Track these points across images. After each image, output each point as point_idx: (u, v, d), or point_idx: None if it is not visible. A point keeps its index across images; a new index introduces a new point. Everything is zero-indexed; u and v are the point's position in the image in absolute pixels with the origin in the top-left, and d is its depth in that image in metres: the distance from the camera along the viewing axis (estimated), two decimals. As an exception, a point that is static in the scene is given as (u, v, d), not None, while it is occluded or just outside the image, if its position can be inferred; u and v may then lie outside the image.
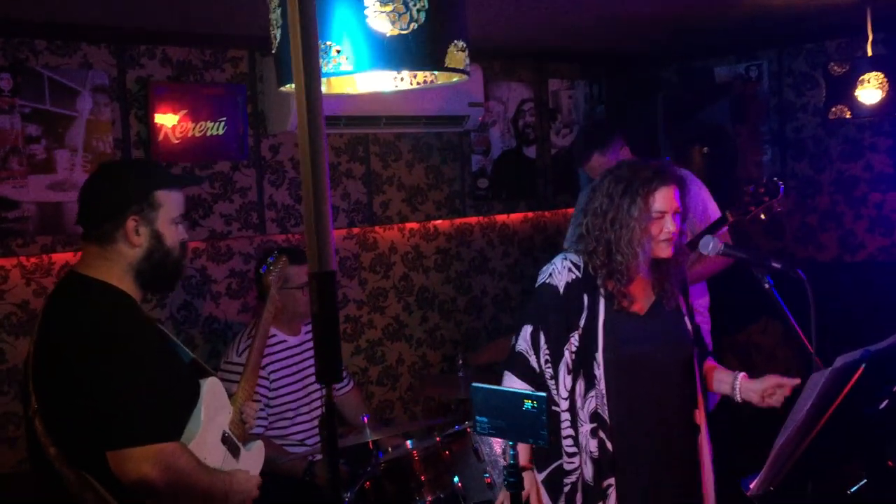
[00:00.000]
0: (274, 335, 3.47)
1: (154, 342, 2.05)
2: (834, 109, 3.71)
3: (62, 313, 2.03)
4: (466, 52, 1.64)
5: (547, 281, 2.45)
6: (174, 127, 3.74)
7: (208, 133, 3.84)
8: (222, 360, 3.47)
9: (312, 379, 3.53)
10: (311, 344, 3.50)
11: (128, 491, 1.94)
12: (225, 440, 2.17)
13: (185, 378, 2.11)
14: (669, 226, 2.37)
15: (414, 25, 1.54)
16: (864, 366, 1.67)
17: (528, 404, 1.63)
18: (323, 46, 1.54)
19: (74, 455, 1.97)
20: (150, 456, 1.90)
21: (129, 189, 2.10)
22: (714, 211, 3.66)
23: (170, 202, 2.13)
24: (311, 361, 3.52)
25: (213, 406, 2.13)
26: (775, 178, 3.12)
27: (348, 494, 3.11)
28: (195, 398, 2.07)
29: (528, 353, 2.42)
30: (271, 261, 2.97)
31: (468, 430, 3.32)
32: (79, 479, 1.96)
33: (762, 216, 3.16)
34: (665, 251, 2.40)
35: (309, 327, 3.65)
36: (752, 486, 1.85)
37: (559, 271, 2.44)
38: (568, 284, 2.42)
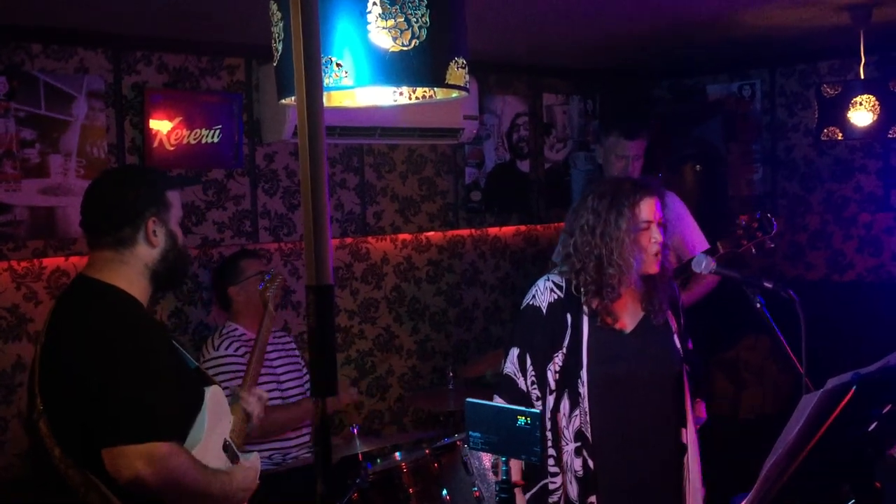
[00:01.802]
0: (243, 333, 3.57)
1: (160, 345, 2.07)
2: (826, 131, 3.75)
3: (71, 316, 2.05)
4: (466, 69, 1.66)
5: (530, 303, 2.48)
6: (169, 133, 3.74)
7: (203, 140, 3.84)
8: (200, 362, 3.50)
9: (285, 377, 3.64)
10: (281, 347, 3.68)
11: (131, 492, 1.94)
12: (226, 448, 2.18)
13: (189, 383, 2.12)
14: (656, 235, 2.40)
15: (415, 42, 1.55)
16: (854, 388, 1.69)
17: (521, 420, 1.64)
18: (324, 60, 1.55)
19: (80, 457, 1.97)
20: (142, 454, 1.90)
21: (146, 191, 2.13)
22: (693, 235, 3.66)
23: (177, 202, 2.19)
24: (283, 361, 3.65)
25: (216, 414, 2.14)
26: (769, 214, 3.14)
27: (336, 506, 3.10)
28: (199, 404, 2.08)
29: (515, 375, 2.43)
30: (268, 278, 3.12)
31: (458, 442, 3.32)
32: (84, 480, 1.96)
33: (753, 250, 3.19)
34: (652, 266, 2.42)
35: (274, 331, 3.72)
36: (741, 505, 1.86)
37: (542, 292, 2.47)
38: (551, 304, 2.44)
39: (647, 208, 2.40)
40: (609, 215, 2.40)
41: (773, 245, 3.14)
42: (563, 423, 2.40)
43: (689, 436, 2.50)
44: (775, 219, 3.13)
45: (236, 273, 3.60)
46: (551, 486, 2.40)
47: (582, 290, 2.43)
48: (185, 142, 3.78)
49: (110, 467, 1.91)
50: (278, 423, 3.44)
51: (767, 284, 2.48)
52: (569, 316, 2.42)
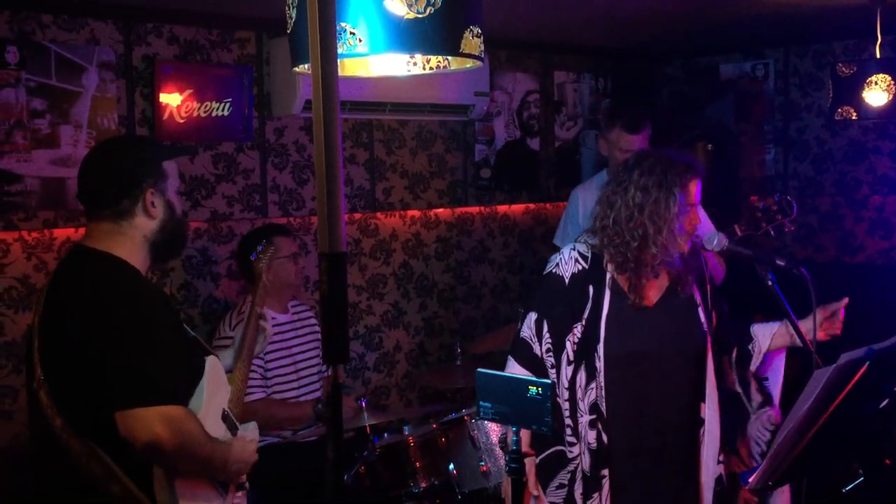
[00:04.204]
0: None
1: (163, 313, 2.06)
2: (840, 110, 3.71)
3: (69, 283, 2.04)
4: (481, 39, 1.64)
5: (553, 270, 2.46)
6: (179, 106, 3.73)
7: (213, 113, 3.83)
8: (215, 339, 3.50)
9: (301, 357, 3.63)
10: (299, 323, 3.68)
11: (135, 459, 1.94)
12: (225, 418, 2.18)
13: (191, 352, 2.12)
14: (696, 219, 2.41)
15: (430, 9, 1.54)
16: (867, 364, 1.68)
17: (532, 391, 1.63)
18: (339, 28, 1.53)
19: (82, 425, 1.97)
20: (160, 417, 1.90)
21: (142, 162, 2.12)
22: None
23: (173, 172, 2.18)
24: (300, 340, 3.63)
25: (214, 383, 2.14)
26: (789, 197, 3.12)
27: (344, 478, 3.12)
28: (200, 373, 2.08)
29: (531, 340, 2.43)
30: (260, 249, 3.04)
31: (465, 417, 3.33)
32: (86, 450, 1.96)
33: (772, 233, 3.17)
34: (685, 245, 2.42)
35: (296, 305, 3.74)
36: (751, 479, 1.86)
37: (566, 261, 2.45)
38: (574, 275, 2.42)
39: (694, 189, 2.40)
40: (660, 194, 2.34)
41: (792, 228, 3.12)
42: (579, 394, 2.39)
43: (709, 411, 2.46)
44: (795, 202, 3.11)
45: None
46: (569, 455, 2.40)
47: (612, 265, 2.41)
48: (195, 114, 3.78)
49: (125, 431, 1.91)
50: (277, 419, 3.43)
51: (780, 262, 2.47)
52: (591, 288, 2.41)
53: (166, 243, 2.15)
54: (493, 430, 3.24)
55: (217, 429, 2.14)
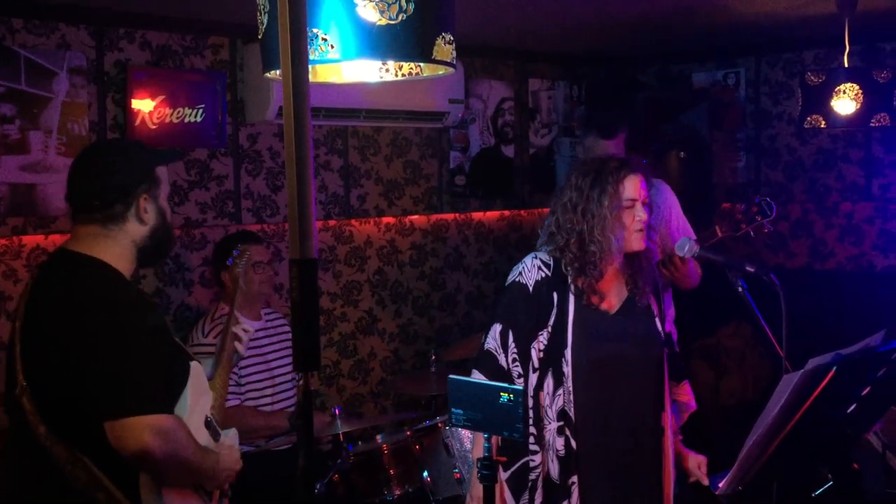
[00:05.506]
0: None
1: (150, 315, 2.04)
2: (809, 119, 3.75)
3: (53, 288, 2.01)
4: (453, 46, 1.65)
5: (517, 279, 2.46)
6: (151, 112, 3.71)
7: (186, 119, 3.81)
8: (187, 346, 3.47)
9: (275, 364, 3.61)
10: (272, 330, 3.66)
11: (122, 467, 1.92)
12: (207, 424, 2.17)
13: (177, 357, 2.11)
14: (640, 214, 2.41)
15: (402, 16, 1.54)
16: (834, 369, 1.70)
17: (504, 397, 1.64)
18: (310, 34, 1.53)
19: (67, 433, 1.95)
20: (150, 426, 1.89)
21: (137, 167, 2.10)
22: (680, 231, 3.64)
23: (165, 178, 2.17)
24: (273, 347, 3.62)
25: (197, 389, 2.13)
26: (768, 199, 3.14)
27: (318, 486, 3.10)
28: (185, 378, 2.07)
29: (496, 351, 2.42)
30: (237, 254, 3.02)
31: (439, 425, 3.33)
32: (71, 457, 1.94)
33: (752, 234, 3.20)
34: (638, 243, 2.42)
35: (269, 312, 3.72)
36: (720, 485, 1.87)
37: (529, 269, 2.46)
38: (537, 283, 2.43)
39: (632, 186, 2.40)
40: (592, 192, 2.39)
41: (771, 228, 3.15)
42: (547, 401, 2.40)
43: (667, 420, 2.50)
44: (774, 203, 3.14)
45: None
46: (531, 464, 2.41)
47: (567, 268, 2.43)
48: (167, 120, 3.75)
49: (114, 441, 1.90)
50: (251, 427, 3.41)
51: (750, 268, 2.49)
52: (555, 295, 2.42)
53: (154, 249, 2.14)
54: (467, 437, 3.24)
55: (201, 435, 2.13)
